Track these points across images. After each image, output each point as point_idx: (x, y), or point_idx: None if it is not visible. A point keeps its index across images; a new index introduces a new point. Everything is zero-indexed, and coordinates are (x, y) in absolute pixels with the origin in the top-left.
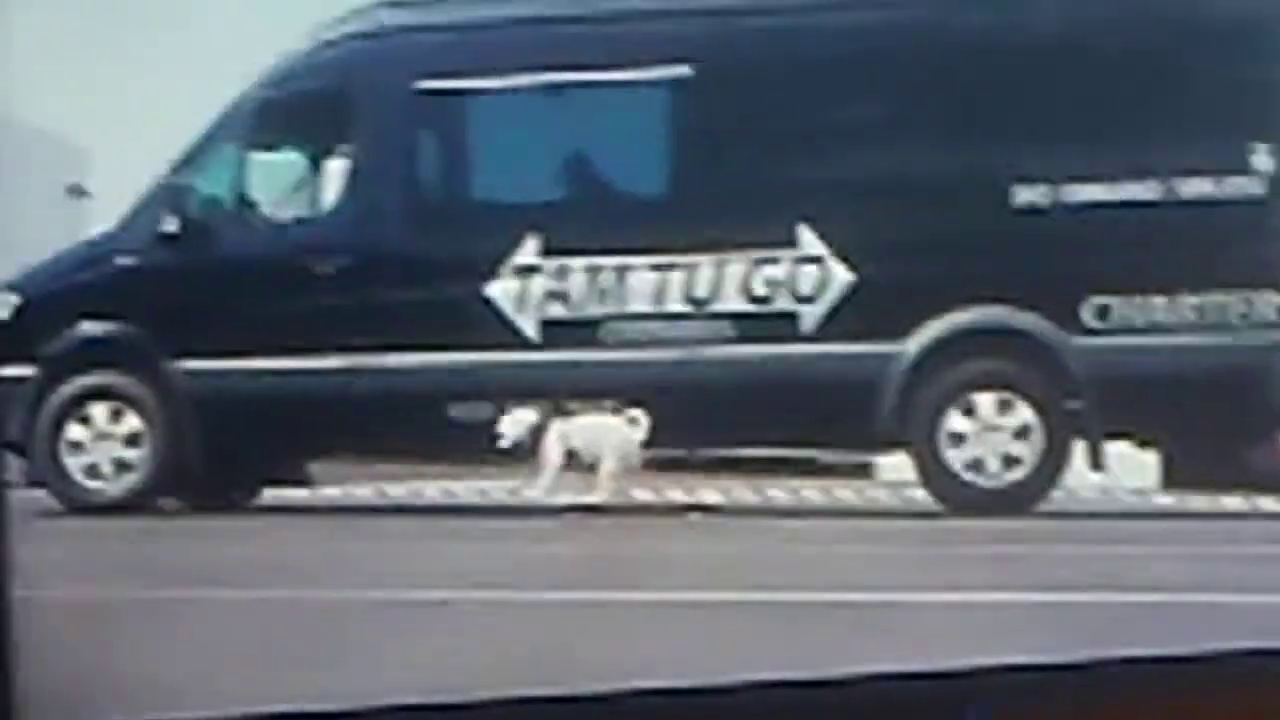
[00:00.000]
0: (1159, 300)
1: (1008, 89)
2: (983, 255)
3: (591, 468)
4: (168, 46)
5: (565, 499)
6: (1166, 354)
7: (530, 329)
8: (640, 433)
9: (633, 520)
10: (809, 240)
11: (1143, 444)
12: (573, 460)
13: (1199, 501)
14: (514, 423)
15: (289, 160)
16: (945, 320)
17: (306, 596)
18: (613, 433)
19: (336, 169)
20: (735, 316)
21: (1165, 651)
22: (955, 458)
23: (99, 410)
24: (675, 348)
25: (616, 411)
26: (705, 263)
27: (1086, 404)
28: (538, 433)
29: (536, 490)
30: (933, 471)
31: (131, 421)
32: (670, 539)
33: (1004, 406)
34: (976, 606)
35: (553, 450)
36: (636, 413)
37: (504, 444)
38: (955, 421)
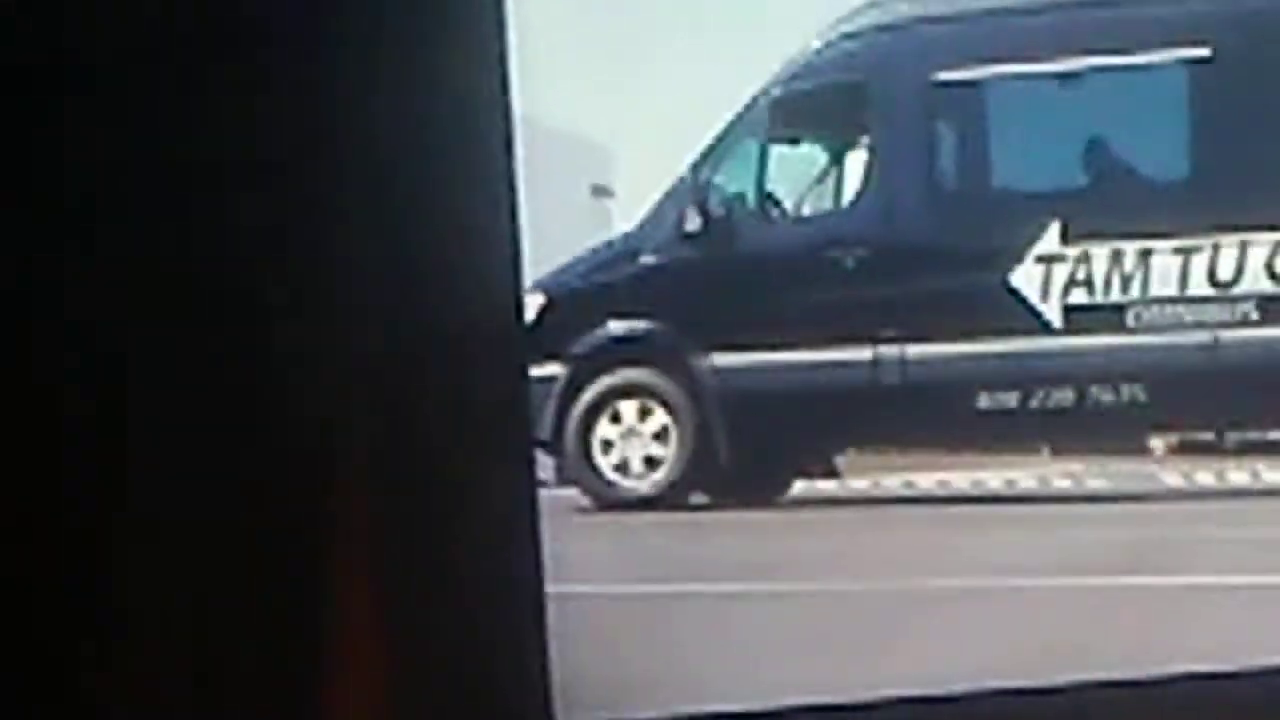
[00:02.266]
0: None
1: None
2: None
3: None
4: (686, 44)
5: (1093, 487)
6: None
7: (1054, 316)
8: None
9: (1162, 505)
10: None
11: None
12: None
13: None
14: None
15: (809, 154)
16: None
17: (837, 589)
18: None
19: (856, 161)
20: (1260, 298)
21: None
22: None
23: (628, 407)
24: (1199, 331)
25: None
26: (1228, 244)
27: None
28: None
29: None
30: None
31: (660, 418)
32: (1200, 522)
33: None
34: None
35: None
36: None
37: None
38: None
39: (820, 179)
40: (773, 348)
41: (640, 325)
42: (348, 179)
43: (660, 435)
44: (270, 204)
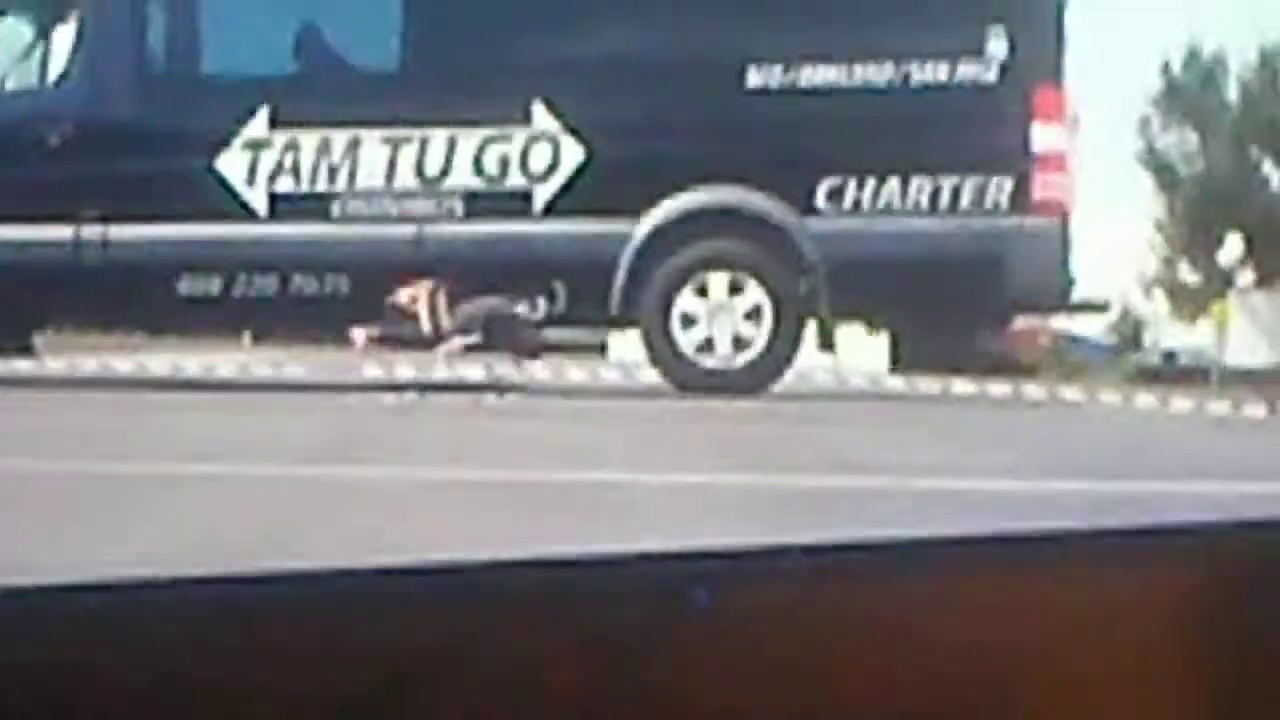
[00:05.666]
0: (892, 183)
1: None
2: (715, 136)
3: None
4: None
5: (293, 376)
6: (898, 237)
7: (260, 203)
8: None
9: (362, 396)
10: (542, 117)
11: (872, 327)
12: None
13: (928, 384)
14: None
15: (15, 28)
16: (678, 200)
17: (28, 468)
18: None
19: (64, 37)
20: (467, 193)
21: (889, 535)
22: (686, 338)
23: None
24: (406, 223)
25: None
26: (437, 138)
27: (818, 285)
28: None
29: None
30: (663, 352)
31: None
32: (405, 418)
33: (735, 287)
34: (704, 487)
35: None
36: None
37: None
38: (687, 302)
39: (26, 54)
40: None
41: None
42: None
43: None
44: None
